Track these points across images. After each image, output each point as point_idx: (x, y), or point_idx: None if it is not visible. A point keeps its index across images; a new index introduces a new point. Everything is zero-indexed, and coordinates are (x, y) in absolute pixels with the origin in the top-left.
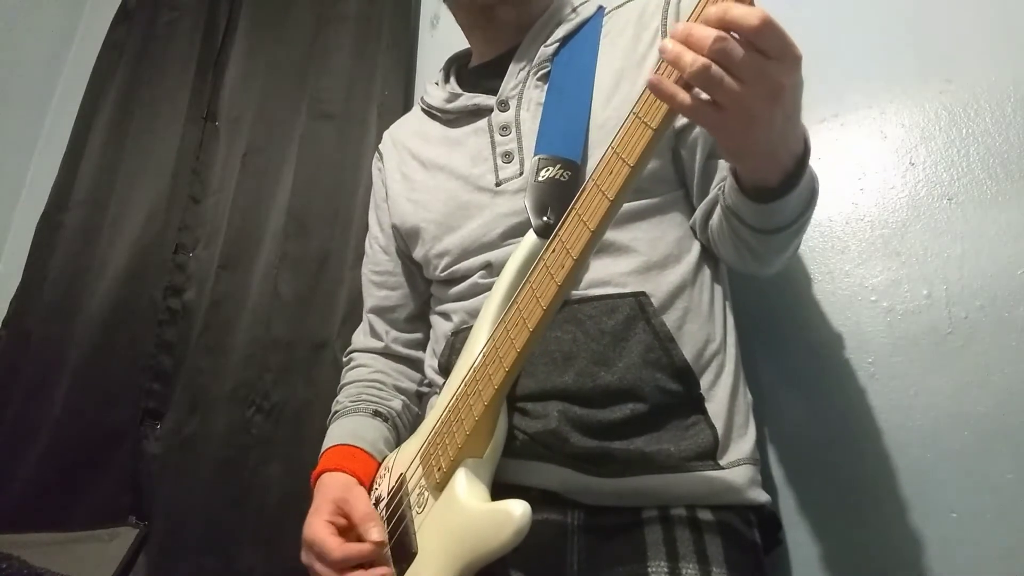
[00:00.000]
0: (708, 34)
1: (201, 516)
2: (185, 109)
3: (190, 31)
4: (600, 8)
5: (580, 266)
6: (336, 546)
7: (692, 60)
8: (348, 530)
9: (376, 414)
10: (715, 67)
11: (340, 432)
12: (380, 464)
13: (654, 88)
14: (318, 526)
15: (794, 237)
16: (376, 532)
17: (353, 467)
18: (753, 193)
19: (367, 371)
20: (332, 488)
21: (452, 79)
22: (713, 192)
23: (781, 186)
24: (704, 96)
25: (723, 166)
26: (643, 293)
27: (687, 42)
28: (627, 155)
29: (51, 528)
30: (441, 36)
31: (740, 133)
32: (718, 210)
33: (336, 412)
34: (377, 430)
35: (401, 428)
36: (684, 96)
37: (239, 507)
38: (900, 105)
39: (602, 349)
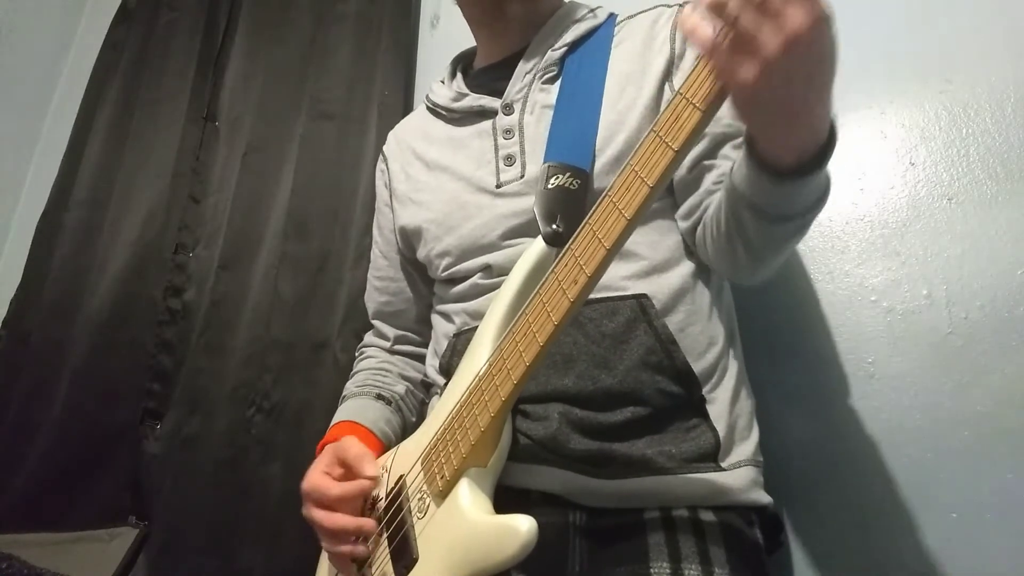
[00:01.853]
0: None
1: (201, 516)
2: (185, 109)
3: (190, 31)
4: (612, 16)
5: (594, 283)
6: (332, 484)
7: None
8: (344, 479)
9: (379, 397)
10: (733, 2)
11: (343, 412)
12: (381, 443)
13: (681, 25)
14: (314, 474)
15: (796, 233)
16: (369, 468)
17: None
18: (767, 168)
19: (374, 361)
20: (329, 447)
21: (458, 78)
22: (706, 184)
23: (796, 168)
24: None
25: (712, 176)
26: (644, 295)
27: None
28: (646, 175)
29: (51, 528)
30: (441, 36)
31: (752, 84)
32: (716, 198)
33: (343, 397)
34: (378, 411)
35: (405, 411)
36: (705, 31)
37: (239, 507)
38: (900, 105)
39: (602, 352)
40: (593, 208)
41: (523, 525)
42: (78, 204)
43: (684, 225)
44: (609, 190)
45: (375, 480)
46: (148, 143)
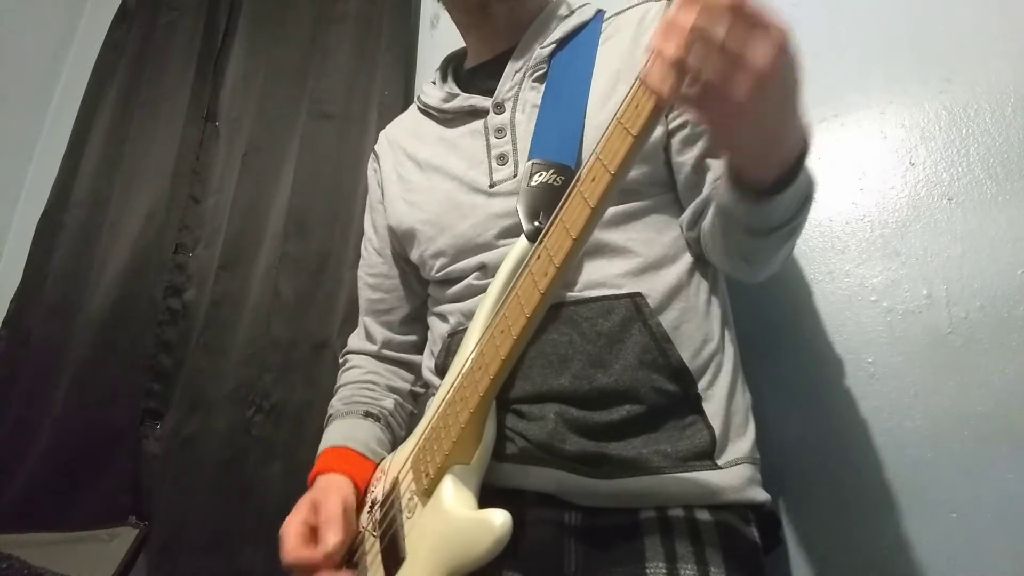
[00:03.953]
0: (689, 18)
1: (201, 516)
2: (185, 109)
3: (190, 31)
4: (600, 12)
5: (563, 274)
6: (290, 549)
7: (675, 45)
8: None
9: (367, 415)
10: (696, 50)
11: (332, 435)
12: (375, 464)
13: (643, 82)
14: (290, 524)
15: (787, 239)
16: (331, 539)
17: (345, 467)
18: (747, 189)
19: (360, 372)
20: (315, 488)
21: (450, 79)
22: (705, 192)
23: (776, 183)
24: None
25: (715, 167)
26: (639, 294)
27: (671, 28)
28: (609, 162)
29: (51, 528)
30: (441, 36)
31: (727, 122)
32: (710, 211)
33: (330, 416)
34: (368, 430)
35: (395, 426)
36: (671, 85)
37: (239, 507)
38: (900, 105)
39: (598, 351)
40: (563, 200)
41: (497, 519)
42: (78, 204)
43: (689, 235)
44: (576, 181)
45: (335, 552)
46: (148, 143)
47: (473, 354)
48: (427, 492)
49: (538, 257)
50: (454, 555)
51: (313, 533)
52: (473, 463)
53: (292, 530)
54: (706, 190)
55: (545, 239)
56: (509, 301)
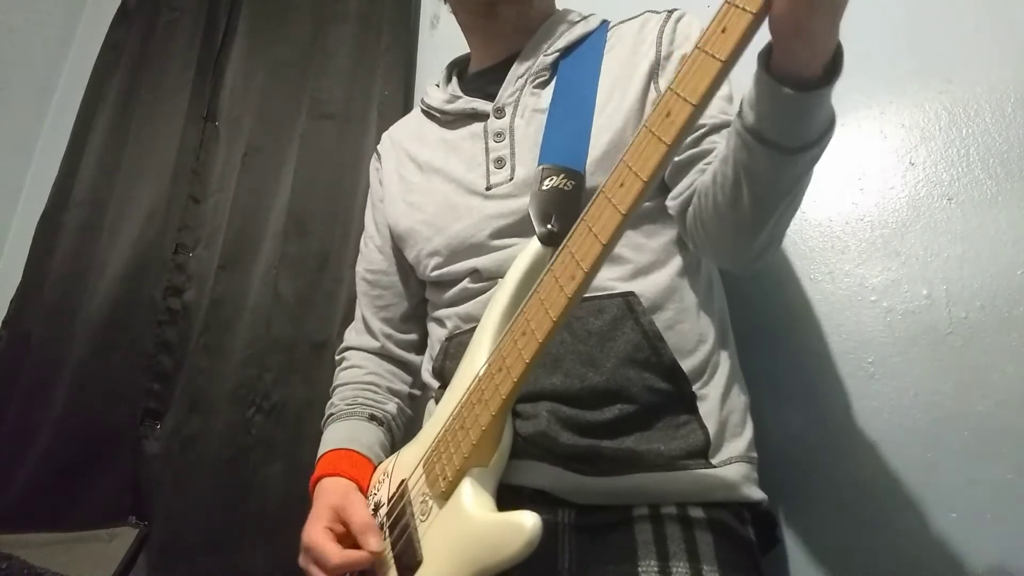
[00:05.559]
0: None
1: (201, 516)
2: (185, 109)
3: (190, 31)
4: (604, 22)
5: (591, 278)
6: (334, 552)
7: None
8: (346, 537)
9: (372, 418)
10: None
11: (337, 436)
12: (377, 468)
13: None
14: (316, 531)
15: (807, 170)
16: (374, 542)
17: (351, 472)
18: (788, 81)
19: (361, 372)
20: (331, 494)
21: (453, 81)
22: (697, 166)
23: (818, 79)
24: None
25: (704, 160)
26: (631, 293)
27: None
28: (639, 169)
29: (51, 528)
30: (441, 36)
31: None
32: (711, 167)
33: (332, 415)
34: (373, 434)
35: (395, 430)
36: None
37: (239, 507)
38: (900, 105)
39: (589, 350)
40: (588, 205)
41: (528, 521)
42: (78, 204)
43: (674, 204)
44: (603, 187)
45: (379, 555)
46: (148, 143)
47: (491, 358)
48: (445, 495)
49: (562, 262)
50: (480, 557)
51: (340, 538)
52: (491, 466)
53: (323, 536)
54: (696, 166)
55: (568, 243)
56: (530, 305)
